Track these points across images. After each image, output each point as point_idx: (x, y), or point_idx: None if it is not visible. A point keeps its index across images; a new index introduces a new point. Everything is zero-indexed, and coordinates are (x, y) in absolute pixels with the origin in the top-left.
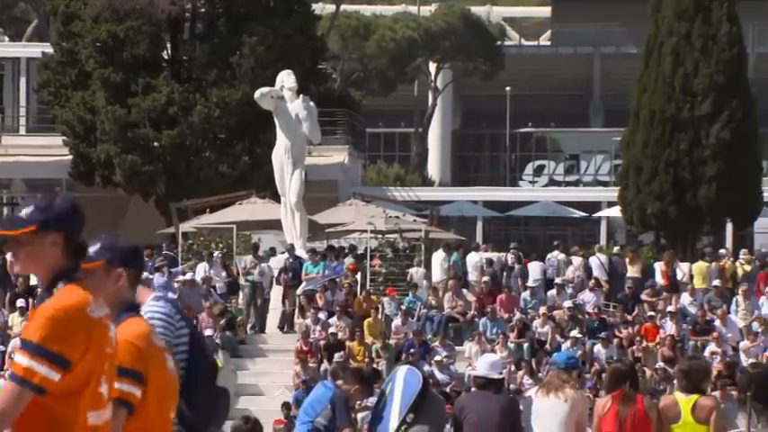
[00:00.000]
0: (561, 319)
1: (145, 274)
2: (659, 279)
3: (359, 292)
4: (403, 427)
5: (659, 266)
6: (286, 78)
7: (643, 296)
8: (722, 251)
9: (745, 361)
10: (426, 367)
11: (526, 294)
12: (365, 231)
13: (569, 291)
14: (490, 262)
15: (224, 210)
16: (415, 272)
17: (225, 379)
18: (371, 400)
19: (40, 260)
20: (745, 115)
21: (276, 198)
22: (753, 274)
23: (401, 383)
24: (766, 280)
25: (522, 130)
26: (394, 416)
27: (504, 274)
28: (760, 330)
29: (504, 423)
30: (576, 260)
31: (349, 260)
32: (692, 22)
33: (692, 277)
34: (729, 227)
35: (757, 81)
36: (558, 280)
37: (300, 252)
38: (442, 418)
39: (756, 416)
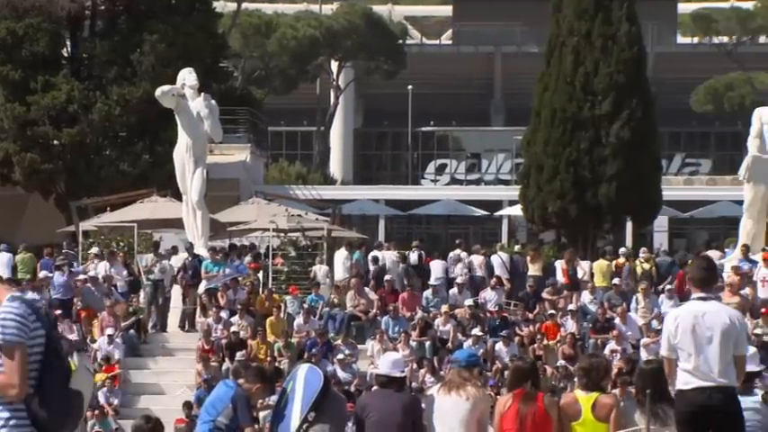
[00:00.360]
0: (463, 318)
1: (44, 273)
2: (560, 277)
3: (261, 291)
4: (305, 426)
5: (560, 265)
6: (187, 76)
7: (544, 294)
8: (622, 249)
9: (645, 359)
10: (329, 366)
11: (428, 293)
12: (267, 230)
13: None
14: (375, 260)
15: (125, 208)
16: (318, 270)
17: (79, 381)
18: (273, 399)
19: None
20: (645, 114)
21: (177, 196)
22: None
23: (302, 382)
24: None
25: (423, 128)
26: (295, 414)
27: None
28: (659, 328)
29: (406, 421)
30: (478, 258)
31: (248, 259)
32: (593, 22)
33: (592, 275)
34: (629, 225)
35: (656, 80)
36: (459, 280)
37: (201, 251)
38: (343, 416)
39: (653, 417)
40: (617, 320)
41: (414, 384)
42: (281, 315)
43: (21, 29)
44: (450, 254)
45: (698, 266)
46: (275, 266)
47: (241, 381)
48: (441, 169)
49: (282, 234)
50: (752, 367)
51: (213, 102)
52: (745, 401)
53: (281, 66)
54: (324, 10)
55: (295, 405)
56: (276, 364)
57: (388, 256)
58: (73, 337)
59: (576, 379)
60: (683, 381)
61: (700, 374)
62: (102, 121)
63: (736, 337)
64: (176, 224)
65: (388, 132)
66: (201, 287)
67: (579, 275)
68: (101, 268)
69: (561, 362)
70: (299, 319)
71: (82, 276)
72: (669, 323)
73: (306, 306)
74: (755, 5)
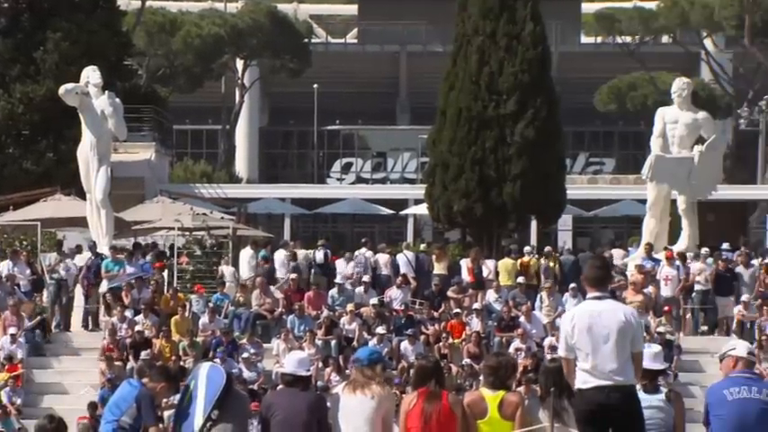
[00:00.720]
0: (368, 317)
1: None
2: (465, 276)
3: (166, 290)
4: (208, 424)
5: (465, 263)
6: (91, 74)
7: (449, 293)
8: (527, 248)
9: (549, 357)
10: (234, 365)
11: (334, 291)
12: (172, 229)
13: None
14: (294, 256)
15: (28, 207)
16: (224, 269)
17: None
18: (177, 398)
19: None
20: (549, 114)
21: (82, 195)
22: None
23: (204, 380)
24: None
25: (329, 127)
26: (199, 413)
27: (312, 271)
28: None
29: (311, 420)
30: (383, 257)
31: (148, 258)
32: (498, 21)
33: (497, 274)
34: (534, 224)
35: (560, 80)
36: (365, 278)
37: (105, 250)
38: (246, 415)
39: (557, 415)
40: (522, 319)
41: (319, 383)
42: (186, 314)
43: None
44: (357, 253)
45: (592, 266)
46: (180, 265)
47: (145, 380)
48: (346, 168)
49: (187, 233)
50: (656, 365)
51: (117, 100)
52: (650, 400)
53: (186, 64)
54: (229, 8)
55: (198, 403)
56: (181, 363)
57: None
58: None
59: (481, 377)
60: (582, 380)
61: (597, 373)
62: (5, 119)
63: (632, 334)
64: (80, 223)
65: (293, 131)
66: (103, 286)
67: (484, 274)
68: (3, 267)
69: (466, 360)
70: (204, 318)
71: None
72: (566, 323)
73: (211, 305)
74: (658, 6)
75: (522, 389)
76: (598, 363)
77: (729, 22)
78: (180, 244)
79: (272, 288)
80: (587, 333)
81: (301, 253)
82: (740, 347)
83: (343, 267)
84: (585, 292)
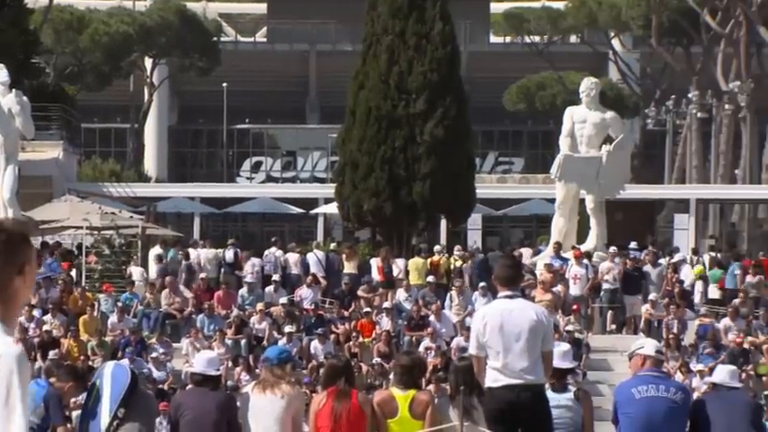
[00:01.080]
0: (278, 316)
1: None
2: (375, 275)
3: (74, 289)
4: (115, 423)
5: (375, 263)
6: None
7: (359, 292)
8: (437, 247)
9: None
10: (143, 364)
11: (244, 291)
12: (81, 228)
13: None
14: (186, 255)
15: None
16: (133, 268)
17: None
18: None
19: None
20: (459, 113)
21: None
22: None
23: (110, 379)
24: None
25: (239, 126)
26: (105, 412)
27: (222, 270)
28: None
29: (221, 420)
30: (293, 256)
31: (56, 257)
32: (407, 21)
33: (407, 273)
34: (444, 223)
35: (470, 79)
36: (275, 277)
37: None
38: (153, 414)
39: (466, 413)
40: (431, 318)
41: (229, 383)
42: (95, 313)
43: None
44: (266, 252)
45: (503, 265)
46: (89, 265)
47: (53, 380)
48: (256, 167)
49: (96, 232)
50: (565, 364)
51: (25, 98)
52: (559, 399)
53: (95, 62)
54: (137, 6)
55: (104, 402)
56: (90, 362)
57: (203, 254)
58: None
59: (391, 376)
60: (492, 378)
61: (508, 372)
62: None
63: (543, 333)
64: None
65: (203, 130)
66: None
67: (394, 273)
68: None
69: (376, 359)
70: (113, 318)
71: None
72: (477, 322)
73: (120, 304)
74: (566, 6)
75: (431, 387)
76: (509, 361)
77: (637, 22)
78: (88, 243)
79: (181, 287)
80: (498, 331)
81: (211, 252)
82: (648, 346)
83: (250, 267)
84: (496, 291)
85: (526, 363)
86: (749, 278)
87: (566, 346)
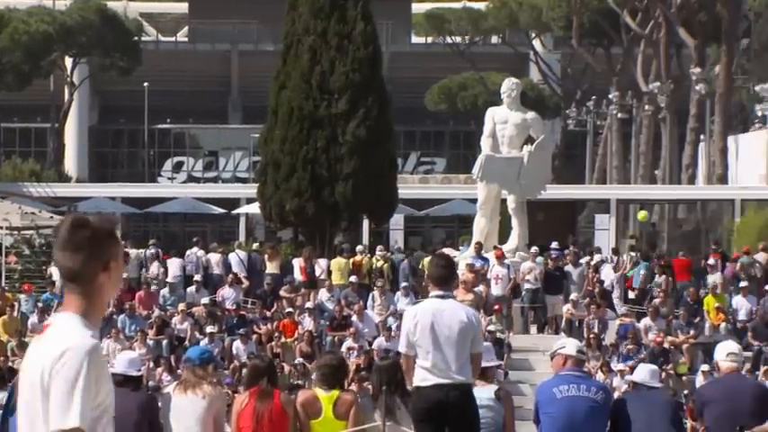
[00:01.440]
0: (200, 316)
1: None
2: (298, 275)
3: None
4: None
5: (298, 263)
6: None
7: (282, 292)
8: (359, 247)
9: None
10: None
11: (165, 291)
12: (0, 228)
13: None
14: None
15: None
16: (53, 269)
17: None
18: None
19: None
20: (381, 113)
21: None
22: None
23: None
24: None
25: (160, 126)
26: None
27: (144, 270)
28: (395, 325)
29: (142, 420)
30: (215, 256)
31: None
32: (328, 21)
33: (330, 273)
34: (366, 223)
35: (391, 79)
36: (197, 277)
37: None
38: None
39: (389, 413)
40: (354, 318)
41: (150, 383)
42: (15, 314)
43: None
44: (188, 252)
45: (437, 264)
46: (8, 265)
47: None
48: (178, 167)
49: (16, 232)
50: (486, 363)
51: None
52: (480, 398)
53: (14, 61)
54: (57, 5)
55: None
56: (9, 363)
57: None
58: None
59: (313, 376)
60: (421, 377)
61: (437, 372)
62: None
63: (473, 334)
64: None
65: (124, 130)
66: None
67: (317, 273)
68: None
69: (299, 359)
70: (33, 318)
71: None
72: (408, 320)
73: (40, 305)
74: (487, 6)
75: (354, 387)
76: (438, 361)
77: (557, 23)
78: (8, 243)
79: None
80: (429, 331)
81: (132, 252)
82: (569, 346)
83: (175, 266)
84: (417, 292)
85: (455, 363)
86: (657, 278)
87: (487, 344)
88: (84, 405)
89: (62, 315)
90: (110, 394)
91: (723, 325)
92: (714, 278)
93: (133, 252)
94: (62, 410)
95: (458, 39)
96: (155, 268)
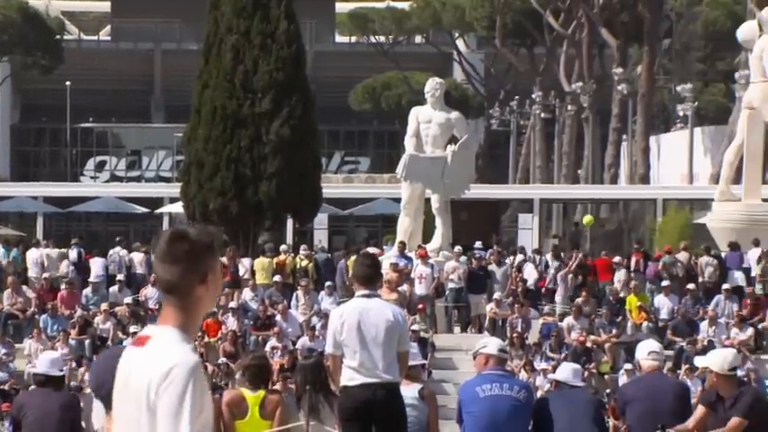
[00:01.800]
0: (123, 316)
1: None
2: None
3: None
4: None
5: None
6: None
7: None
8: (283, 247)
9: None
10: None
11: (88, 291)
12: None
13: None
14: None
15: None
16: None
17: None
18: None
19: None
20: (305, 112)
21: None
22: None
23: None
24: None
25: (83, 125)
26: None
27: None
28: (319, 325)
29: (65, 420)
30: (138, 256)
31: None
32: (251, 20)
33: (253, 273)
34: (290, 223)
35: (315, 79)
36: (120, 276)
37: None
38: None
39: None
40: (278, 317)
41: (73, 383)
42: None
43: None
44: (111, 251)
45: (362, 264)
46: None
47: None
48: (100, 166)
49: None
50: (411, 361)
51: None
52: (405, 397)
53: None
54: None
55: None
56: None
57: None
58: None
59: (237, 376)
60: (348, 377)
61: (364, 371)
62: None
63: (399, 333)
64: None
65: (46, 128)
66: None
67: (240, 273)
68: None
69: (222, 359)
70: None
71: None
72: (335, 320)
73: None
74: (411, 6)
75: (278, 386)
76: (365, 360)
77: (481, 23)
78: None
79: (24, 287)
80: (356, 330)
81: (54, 252)
82: (492, 345)
83: (97, 266)
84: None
85: (382, 362)
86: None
87: (411, 344)
88: (192, 422)
89: (161, 328)
90: (211, 408)
91: (645, 324)
92: (619, 275)
93: (55, 252)
94: (172, 429)
95: (382, 38)
96: (64, 267)
